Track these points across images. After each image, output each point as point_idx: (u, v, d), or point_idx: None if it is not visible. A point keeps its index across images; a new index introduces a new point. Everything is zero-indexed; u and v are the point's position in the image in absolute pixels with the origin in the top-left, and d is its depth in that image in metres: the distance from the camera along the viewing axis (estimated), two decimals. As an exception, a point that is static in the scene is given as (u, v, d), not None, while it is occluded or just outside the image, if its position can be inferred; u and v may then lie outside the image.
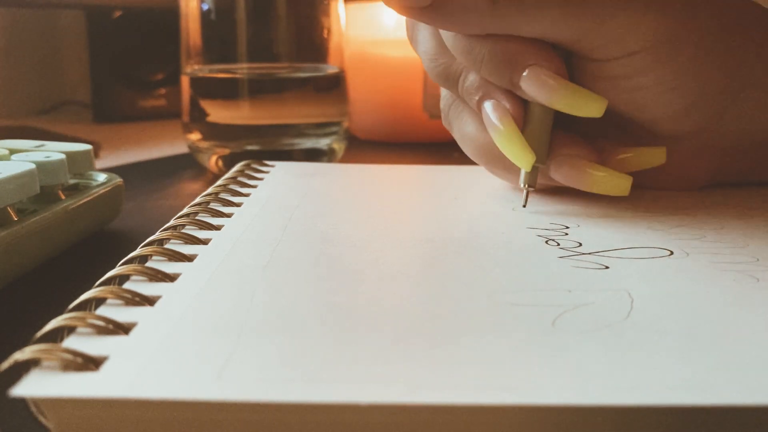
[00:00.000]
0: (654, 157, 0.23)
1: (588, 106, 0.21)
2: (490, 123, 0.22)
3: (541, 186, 0.24)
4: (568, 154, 0.23)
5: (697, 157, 0.25)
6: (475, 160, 0.25)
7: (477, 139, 0.24)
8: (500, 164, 0.24)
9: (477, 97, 0.23)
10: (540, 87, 0.21)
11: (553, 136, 0.23)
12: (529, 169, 0.22)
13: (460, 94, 0.24)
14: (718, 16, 0.21)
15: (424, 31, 0.24)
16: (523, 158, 0.22)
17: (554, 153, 0.23)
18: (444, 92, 0.26)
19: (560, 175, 0.23)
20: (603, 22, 0.20)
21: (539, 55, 0.21)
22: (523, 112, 0.22)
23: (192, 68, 0.39)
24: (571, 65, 0.22)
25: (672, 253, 0.19)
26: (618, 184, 0.22)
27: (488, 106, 0.22)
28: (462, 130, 0.25)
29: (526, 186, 0.23)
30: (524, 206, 0.23)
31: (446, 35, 0.22)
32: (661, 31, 0.20)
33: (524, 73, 0.21)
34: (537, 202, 0.24)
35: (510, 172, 0.24)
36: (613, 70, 0.21)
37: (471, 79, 0.23)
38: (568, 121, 0.23)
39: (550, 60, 0.21)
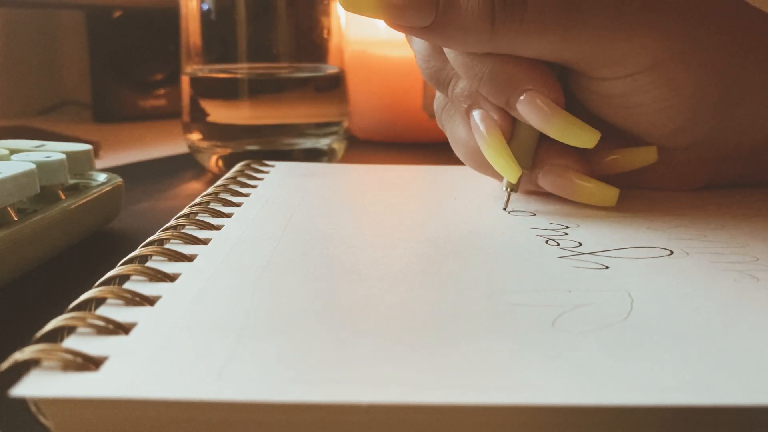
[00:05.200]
0: (645, 156, 0.24)
1: (580, 138, 0.21)
2: (478, 132, 0.22)
3: (528, 191, 0.25)
4: (556, 164, 0.23)
5: (693, 165, 0.25)
6: (464, 162, 0.26)
7: (467, 143, 0.24)
8: (489, 169, 0.24)
9: (466, 105, 0.23)
10: (535, 113, 0.21)
11: (542, 144, 0.23)
12: (514, 181, 0.22)
13: (449, 98, 0.24)
14: (717, 34, 0.22)
15: None
16: (508, 170, 0.22)
17: (542, 162, 0.23)
18: (438, 93, 0.26)
19: (547, 184, 0.23)
20: (603, 45, 0.20)
21: (539, 80, 0.21)
22: (511, 124, 0.22)
23: (192, 68, 0.39)
24: (568, 79, 0.22)
25: (672, 253, 0.19)
26: (605, 194, 0.23)
27: (477, 115, 0.23)
28: (453, 133, 0.25)
29: (508, 190, 0.23)
30: (505, 209, 0.23)
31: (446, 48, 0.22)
32: (661, 54, 0.21)
33: (521, 97, 0.21)
34: (537, 203, 0.24)
35: (498, 175, 0.24)
36: (611, 88, 0.21)
37: (461, 86, 0.23)
38: None
39: (549, 86, 0.21)
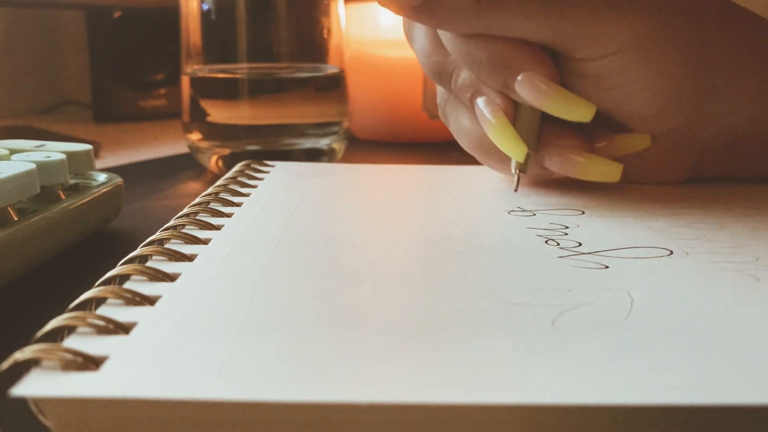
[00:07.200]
0: (638, 141, 0.24)
1: (577, 111, 0.22)
2: (483, 117, 0.23)
3: (534, 176, 0.26)
4: (560, 144, 0.24)
5: (675, 152, 0.25)
6: (470, 152, 0.26)
7: (472, 132, 0.25)
8: (494, 156, 0.25)
9: (469, 94, 0.24)
10: (532, 91, 0.22)
11: (544, 126, 0.24)
12: (522, 160, 0.23)
13: (453, 91, 0.25)
14: (693, 20, 0.22)
15: (420, 29, 0.25)
16: (515, 149, 0.23)
17: (546, 143, 0.24)
18: (439, 88, 0.27)
19: (553, 164, 0.24)
20: (583, 24, 0.21)
21: (533, 60, 0.22)
22: (513, 107, 0.23)
23: (192, 68, 0.39)
24: (556, 63, 0.23)
25: (672, 253, 0.19)
26: (610, 170, 0.24)
27: (480, 102, 0.24)
28: (458, 124, 0.26)
29: (518, 171, 0.24)
30: (515, 190, 0.24)
31: (445, 38, 0.23)
32: (638, 34, 0.21)
33: (518, 77, 0.22)
34: (536, 203, 0.24)
35: (503, 163, 0.25)
36: (593, 69, 0.22)
37: (463, 76, 0.24)
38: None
39: (544, 65, 0.22)
